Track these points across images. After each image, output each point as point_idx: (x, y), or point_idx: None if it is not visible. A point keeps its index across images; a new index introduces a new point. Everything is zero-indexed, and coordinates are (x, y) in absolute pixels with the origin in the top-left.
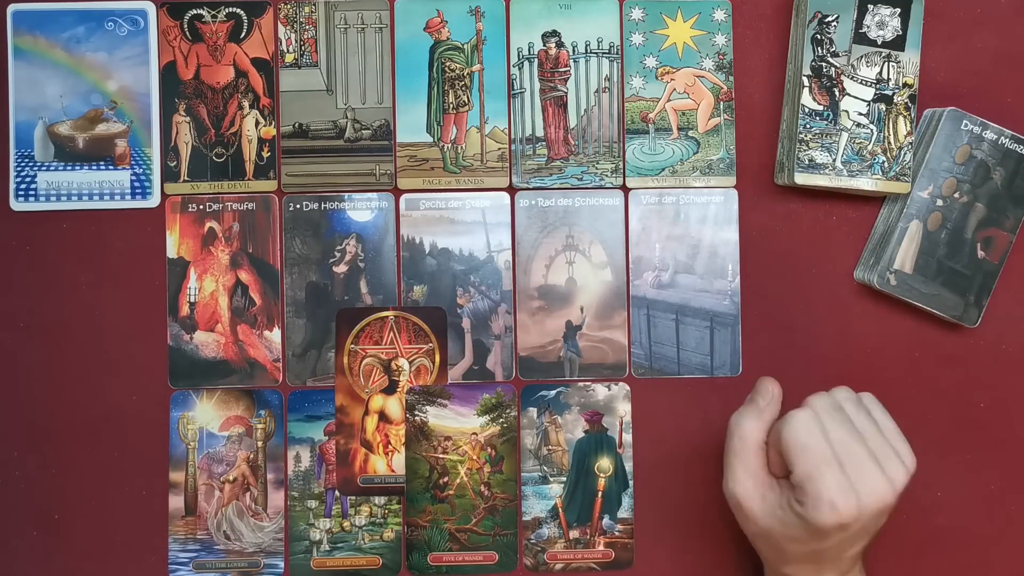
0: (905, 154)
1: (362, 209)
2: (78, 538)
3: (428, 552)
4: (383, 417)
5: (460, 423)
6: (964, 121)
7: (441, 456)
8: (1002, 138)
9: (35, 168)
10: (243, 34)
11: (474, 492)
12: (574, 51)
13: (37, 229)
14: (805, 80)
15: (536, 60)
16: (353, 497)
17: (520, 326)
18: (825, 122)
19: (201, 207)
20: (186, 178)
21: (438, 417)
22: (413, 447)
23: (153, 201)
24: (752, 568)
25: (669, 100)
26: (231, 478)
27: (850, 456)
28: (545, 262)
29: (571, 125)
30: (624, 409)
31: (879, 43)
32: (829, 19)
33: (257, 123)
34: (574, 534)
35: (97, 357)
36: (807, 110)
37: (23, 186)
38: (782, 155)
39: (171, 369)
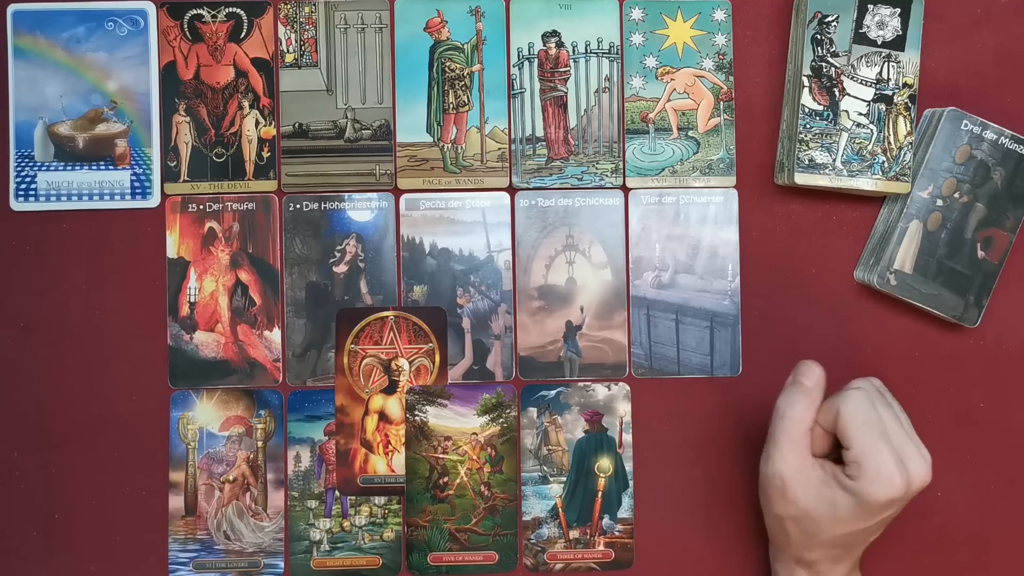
0: (905, 154)
1: (362, 209)
2: (78, 538)
3: (428, 552)
4: (383, 417)
5: (460, 423)
6: (964, 121)
7: (441, 456)
8: (1002, 138)
9: (35, 168)
10: (243, 34)
11: (474, 492)
12: (574, 51)
13: (37, 229)
14: (805, 80)
15: (536, 60)
16: (353, 497)
17: (520, 326)
18: (825, 122)
19: (201, 207)
20: (186, 178)
21: (438, 417)
22: (413, 447)
23: (153, 201)
24: (753, 568)
25: (669, 100)
26: (231, 478)
27: (897, 435)
28: (545, 262)
29: (571, 125)
30: (624, 409)
31: (879, 43)
32: (829, 19)
33: (257, 123)
34: (574, 534)
35: (97, 357)
36: (807, 110)
37: (23, 186)
38: (782, 155)
39: (171, 369)
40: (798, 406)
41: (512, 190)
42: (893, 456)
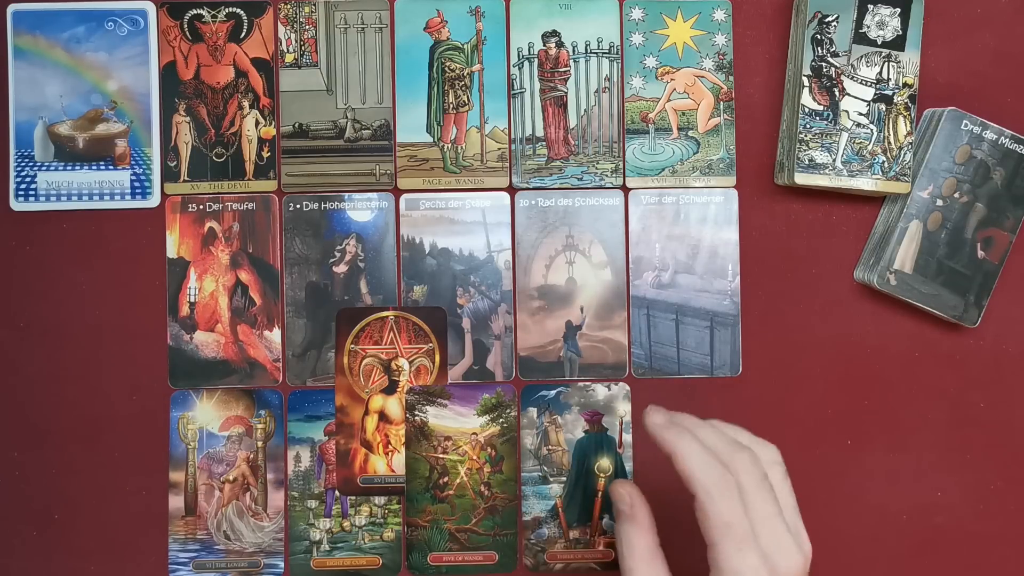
0: (905, 154)
1: (362, 209)
2: (78, 538)
3: (428, 552)
4: (383, 417)
5: (460, 423)
6: (964, 121)
7: (441, 456)
8: (1002, 138)
9: (35, 168)
10: (243, 34)
11: (474, 492)
12: (574, 51)
13: (37, 229)
14: (805, 80)
15: (536, 60)
16: (353, 497)
17: (520, 326)
18: (825, 122)
19: (201, 207)
20: (186, 178)
21: (438, 417)
22: (413, 447)
23: (153, 201)
24: None
25: (669, 100)
26: (231, 478)
27: (767, 528)
28: (545, 262)
29: (571, 125)
30: (624, 409)
31: (879, 43)
32: (829, 19)
33: (257, 123)
34: (574, 534)
35: (97, 357)
36: (807, 110)
37: (23, 186)
38: (782, 155)
39: (171, 369)
40: (631, 537)
41: (512, 190)
42: (755, 556)
